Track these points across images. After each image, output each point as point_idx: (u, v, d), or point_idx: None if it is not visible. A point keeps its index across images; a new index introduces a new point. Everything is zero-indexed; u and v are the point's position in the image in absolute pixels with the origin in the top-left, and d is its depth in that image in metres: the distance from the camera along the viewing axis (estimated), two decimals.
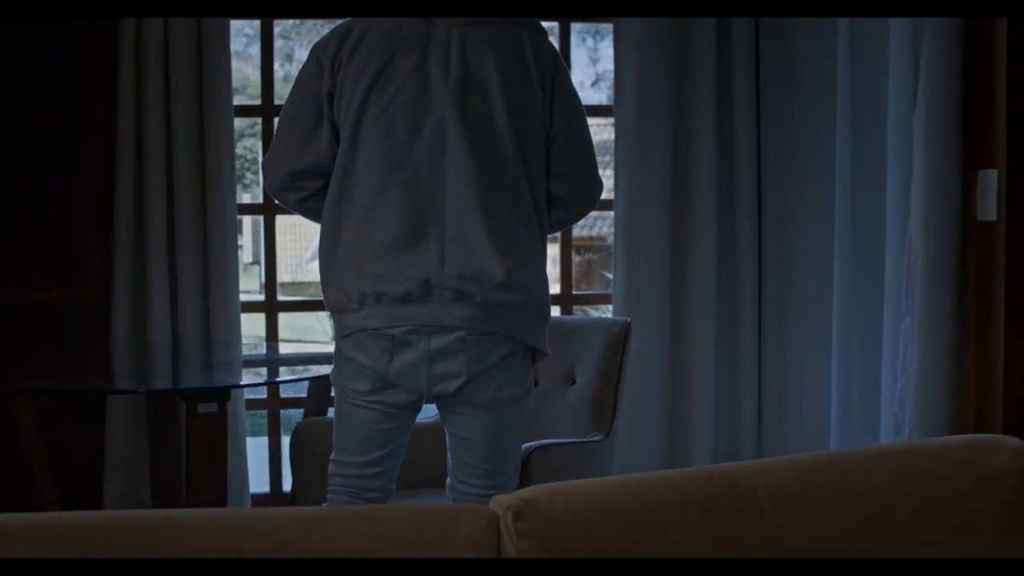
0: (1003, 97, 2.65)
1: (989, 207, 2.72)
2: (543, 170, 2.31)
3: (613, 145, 3.48)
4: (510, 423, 2.32)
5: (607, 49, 3.34)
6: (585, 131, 2.39)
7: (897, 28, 2.91)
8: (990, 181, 2.71)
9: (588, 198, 2.42)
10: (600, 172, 2.44)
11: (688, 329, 3.39)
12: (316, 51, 2.32)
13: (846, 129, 3.15)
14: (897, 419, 2.94)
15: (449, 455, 2.35)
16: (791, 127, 3.37)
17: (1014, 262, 2.66)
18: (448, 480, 2.36)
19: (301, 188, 2.37)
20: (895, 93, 2.94)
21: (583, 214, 2.56)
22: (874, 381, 3.13)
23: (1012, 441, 1.51)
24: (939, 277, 2.79)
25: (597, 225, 14.23)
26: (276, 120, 3.38)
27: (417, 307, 2.20)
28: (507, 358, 2.24)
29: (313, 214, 2.42)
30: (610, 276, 3.52)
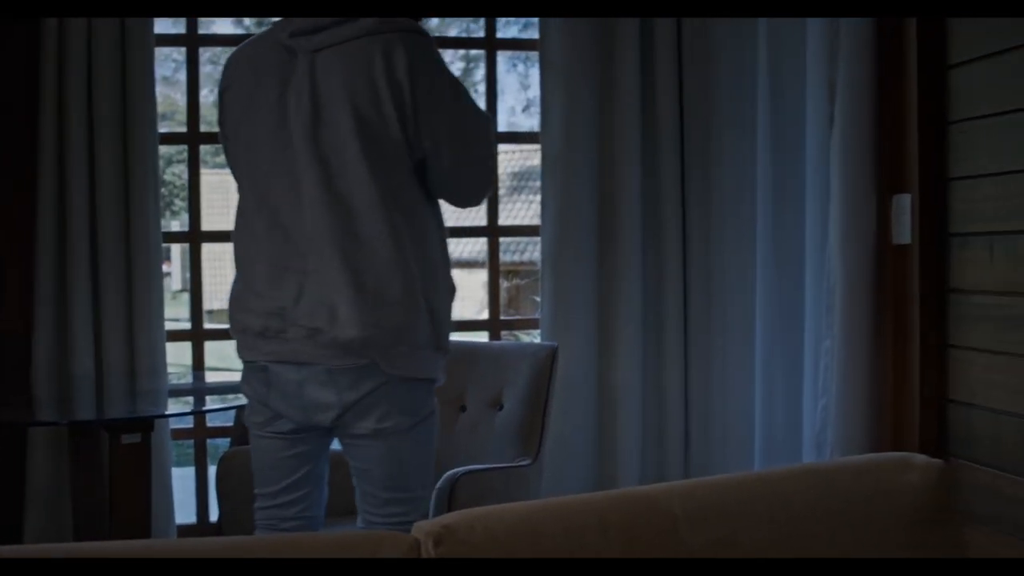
0: (915, 124, 2.74)
1: (903, 230, 2.80)
2: (415, 191, 2.24)
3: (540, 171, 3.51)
4: (403, 453, 2.26)
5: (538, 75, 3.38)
6: (458, 142, 2.25)
7: (813, 55, 2.99)
8: (903, 205, 2.79)
9: (472, 202, 2.45)
10: (488, 170, 2.38)
11: (615, 353, 3.42)
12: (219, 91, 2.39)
13: (766, 155, 3.21)
14: (819, 439, 3.00)
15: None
16: (714, 154, 3.43)
17: (927, 284, 2.74)
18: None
19: None
20: (812, 120, 3.02)
21: (475, 204, 2.53)
22: (797, 402, 3.19)
23: (920, 459, 1.55)
24: (857, 299, 2.86)
25: (529, 250, 14.27)
26: (203, 147, 3.38)
27: (276, 343, 2.22)
28: (381, 388, 2.19)
29: None
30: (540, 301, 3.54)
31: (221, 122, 2.36)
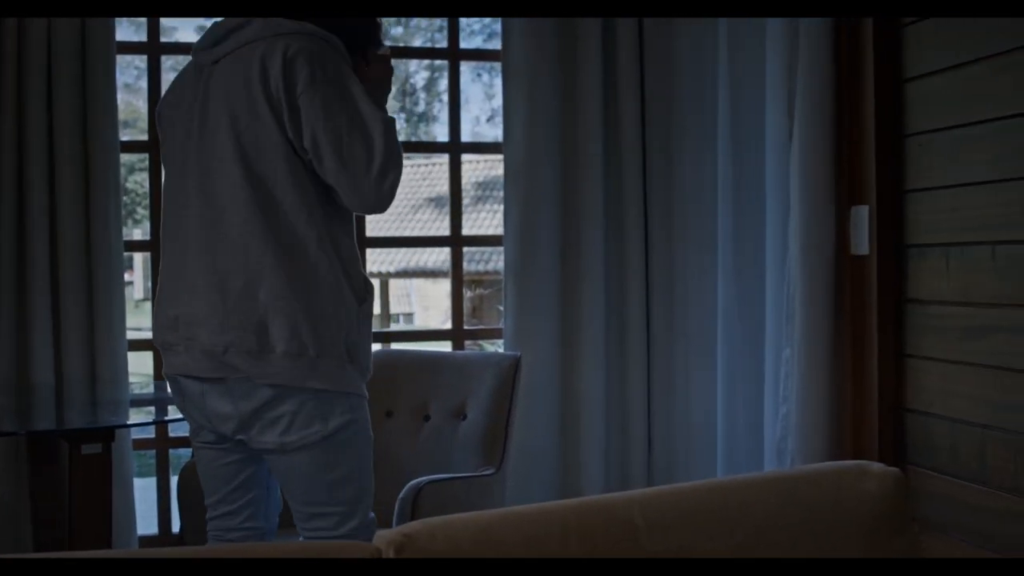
0: (872, 137, 2.78)
1: (861, 241, 2.84)
2: (297, 194, 2.17)
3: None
4: (315, 468, 2.20)
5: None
6: (336, 144, 2.15)
7: (772, 67, 3.03)
8: (862, 217, 2.83)
9: (366, 208, 2.24)
10: (373, 169, 2.18)
11: (578, 362, 3.43)
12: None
13: (728, 166, 3.25)
14: (780, 447, 3.03)
15: None
16: (676, 165, 3.46)
17: (885, 294, 2.78)
18: None
19: None
20: (772, 132, 3.05)
21: (370, 211, 2.31)
22: (758, 410, 3.22)
23: (876, 467, 1.57)
24: (816, 309, 2.89)
25: (493, 259, 14.29)
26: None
27: (172, 355, 2.26)
28: (276, 400, 2.15)
29: None
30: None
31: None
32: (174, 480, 3.20)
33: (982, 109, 2.46)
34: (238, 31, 2.22)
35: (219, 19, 2.32)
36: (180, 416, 3.11)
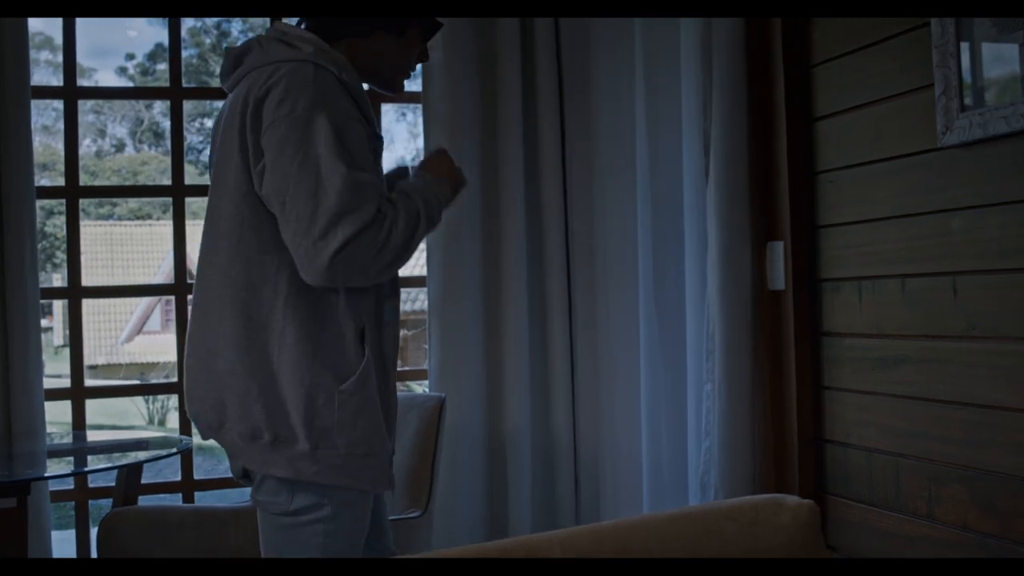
0: (785, 175, 2.85)
1: (777, 277, 2.90)
2: (275, 253, 1.90)
3: None
4: (264, 532, 2.00)
5: None
6: (284, 190, 1.83)
7: (688, 109, 3.09)
8: (777, 253, 2.89)
9: (309, 275, 1.85)
10: (321, 236, 1.80)
11: (503, 400, 3.44)
12: None
13: (647, 206, 3.29)
14: (704, 480, 3.07)
15: None
16: (596, 205, 3.49)
17: (801, 328, 2.84)
18: None
19: None
20: (688, 171, 3.11)
21: (349, 285, 1.91)
22: (682, 444, 3.25)
23: (791, 500, 1.60)
24: (736, 344, 2.94)
25: (420, 299, 14.27)
26: (82, 201, 3.32)
27: None
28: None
29: None
30: None
31: None
32: (94, 532, 3.14)
33: (887, 147, 2.54)
34: (245, 57, 2.01)
35: (229, 47, 2.11)
36: (100, 467, 3.07)
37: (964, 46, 2.26)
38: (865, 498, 2.66)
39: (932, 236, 2.41)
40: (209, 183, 2.05)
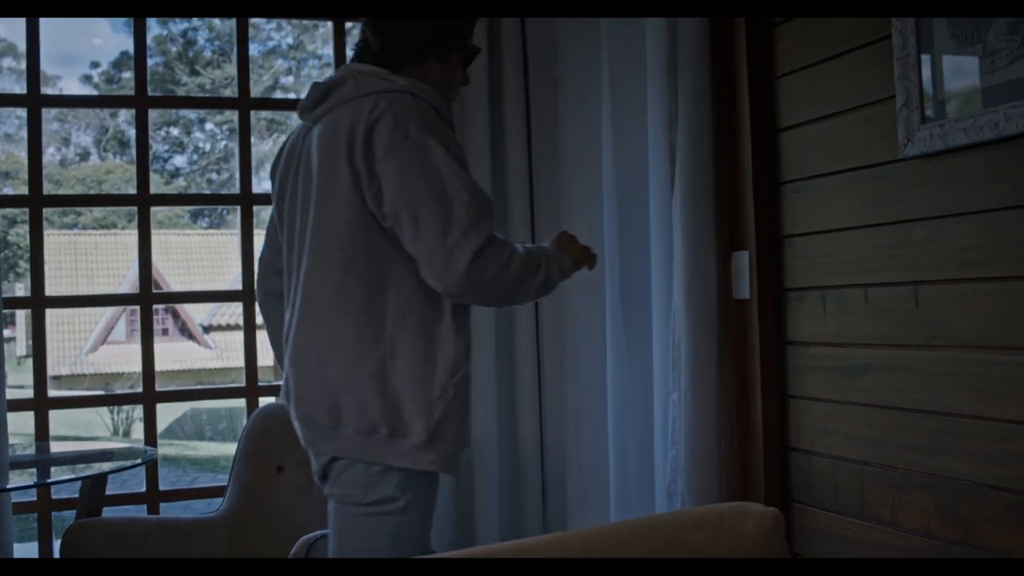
0: (750, 185, 2.87)
1: (742, 286, 2.92)
2: (377, 264, 2.09)
3: None
4: (337, 520, 2.16)
5: None
6: (415, 209, 2.02)
7: (654, 120, 3.11)
8: (742, 262, 2.91)
9: (445, 285, 2.05)
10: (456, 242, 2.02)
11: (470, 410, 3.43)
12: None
13: (613, 216, 3.30)
14: (670, 489, 3.08)
15: None
16: (563, 217, 3.48)
17: (766, 337, 2.86)
18: None
19: (262, 278, 2.49)
20: (655, 182, 3.13)
21: (463, 301, 2.14)
22: (648, 454, 3.27)
23: (756, 508, 1.61)
24: (701, 353, 2.96)
25: None
26: (46, 210, 3.30)
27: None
28: (333, 462, 2.14)
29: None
30: None
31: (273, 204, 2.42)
32: (57, 544, 3.10)
33: (851, 157, 2.57)
34: (334, 91, 2.16)
35: (317, 80, 2.26)
36: (64, 477, 3.05)
37: (925, 58, 2.29)
38: (830, 506, 2.68)
39: (894, 246, 2.44)
40: (275, 201, 2.33)
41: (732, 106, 2.95)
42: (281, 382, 2.33)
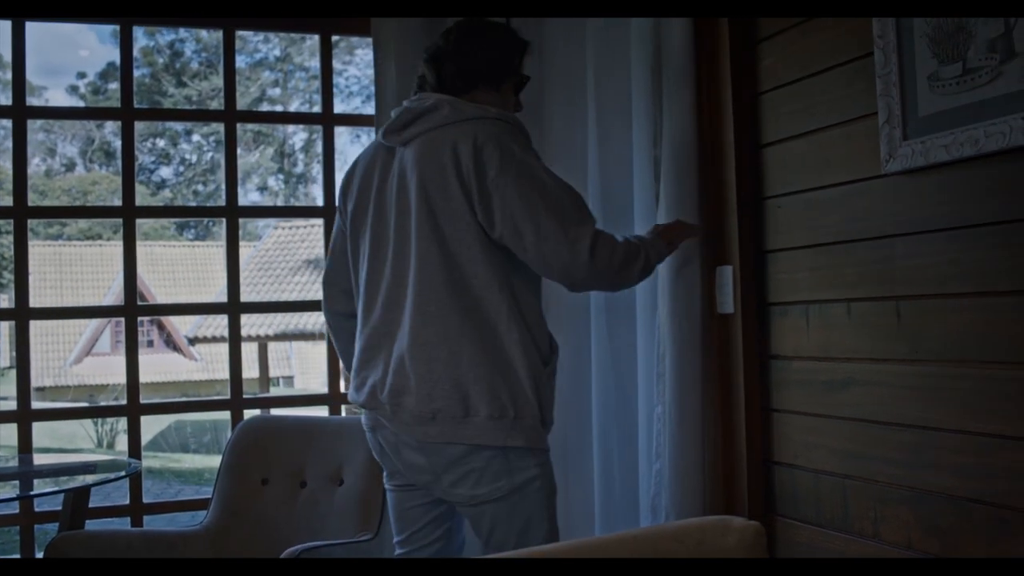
0: (733, 200, 2.89)
1: (726, 300, 2.93)
2: (487, 269, 2.38)
3: None
4: (503, 517, 2.40)
5: None
6: (537, 217, 2.34)
7: (639, 137, 3.13)
8: (726, 277, 2.93)
9: (569, 275, 2.41)
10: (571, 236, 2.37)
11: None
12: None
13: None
14: (655, 503, 3.08)
15: None
16: None
17: (750, 351, 2.87)
18: None
19: (328, 303, 2.75)
20: (639, 196, 3.14)
21: (585, 288, 2.54)
22: (633, 467, 3.27)
23: (738, 521, 1.62)
24: (686, 367, 2.96)
25: None
26: (30, 221, 3.30)
27: (373, 415, 2.49)
28: (466, 456, 2.37)
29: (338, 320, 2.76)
30: None
31: (342, 221, 2.67)
32: (40, 557, 3.09)
33: (834, 173, 2.59)
34: (428, 115, 2.43)
35: (406, 104, 2.52)
36: (47, 490, 3.04)
37: (907, 75, 2.31)
38: (812, 519, 2.69)
39: (876, 261, 2.46)
40: (347, 216, 2.60)
41: (716, 122, 2.96)
42: (351, 391, 2.56)
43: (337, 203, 2.72)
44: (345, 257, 2.67)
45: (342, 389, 3.70)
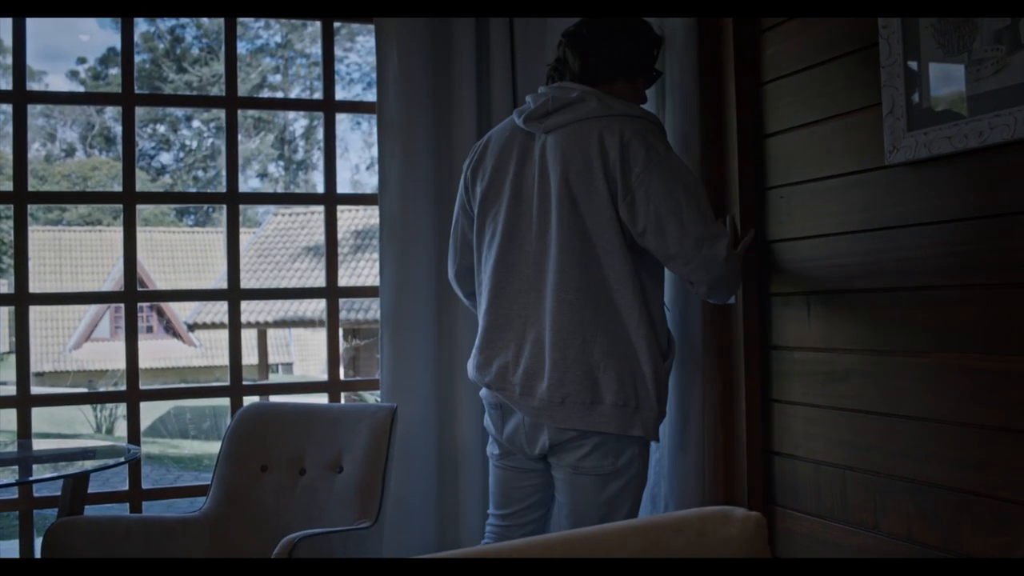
0: (736, 190, 2.88)
1: None
2: (620, 264, 2.48)
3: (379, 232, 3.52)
4: (596, 492, 2.54)
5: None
6: (680, 212, 2.44)
7: None
8: None
9: (707, 272, 2.52)
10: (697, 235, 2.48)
11: (456, 411, 3.44)
12: (464, 168, 2.81)
13: None
14: (654, 492, 3.08)
15: None
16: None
17: (751, 342, 2.86)
18: None
19: (463, 283, 2.91)
20: None
21: (716, 287, 2.59)
22: None
23: (739, 512, 1.62)
24: (686, 357, 2.96)
25: (373, 308, 14.20)
26: (30, 206, 3.27)
27: (502, 395, 2.60)
28: (580, 438, 2.51)
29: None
30: None
31: (467, 198, 2.78)
32: (39, 542, 3.09)
33: (837, 164, 2.58)
34: (573, 106, 2.51)
35: (547, 91, 2.59)
36: (46, 475, 3.03)
37: (912, 66, 2.30)
38: (813, 510, 2.69)
39: (879, 252, 2.45)
40: (476, 196, 2.70)
41: (719, 112, 2.95)
42: (473, 369, 2.68)
43: (463, 180, 2.78)
44: (467, 238, 2.79)
45: (341, 376, 3.70)
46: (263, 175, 27.68)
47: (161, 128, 27.49)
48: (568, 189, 2.47)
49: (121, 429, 16.15)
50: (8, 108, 3.48)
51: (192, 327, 18.33)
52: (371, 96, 3.72)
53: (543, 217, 2.53)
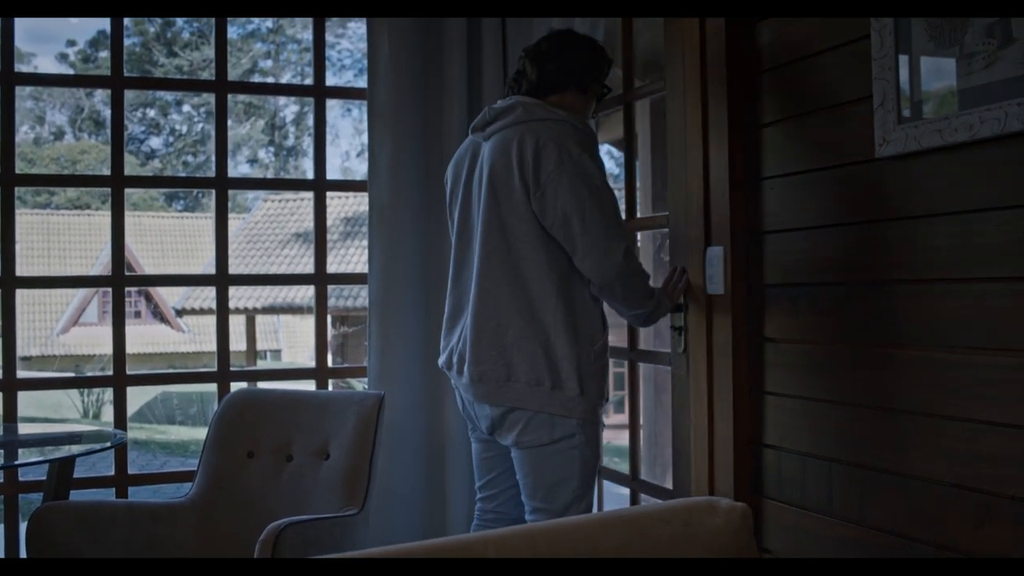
0: (725, 180, 2.87)
1: (716, 282, 2.92)
2: (539, 253, 2.67)
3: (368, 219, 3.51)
4: (538, 465, 2.71)
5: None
6: (583, 211, 2.61)
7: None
8: (716, 257, 2.92)
9: (597, 268, 2.66)
10: (612, 240, 2.64)
11: (443, 399, 3.44)
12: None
13: None
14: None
15: None
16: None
17: (739, 333, 2.87)
18: None
19: None
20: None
21: (608, 289, 2.72)
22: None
23: (724, 502, 1.62)
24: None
25: (362, 296, 14.16)
26: (17, 189, 3.27)
27: (452, 375, 2.88)
28: (514, 411, 2.70)
29: None
30: None
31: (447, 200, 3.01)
32: (23, 527, 3.09)
33: (828, 156, 2.58)
34: (503, 116, 2.75)
35: (494, 104, 2.80)
36: (32, 460, 3.02)
37: (903, 59, 2.30)
38: (798, 501, 2.69)
39: (868, 245, 2.45)
40: (459, 205, 2.89)
41: (713, 102, 2.94)
42: (443, 354, 2.87)
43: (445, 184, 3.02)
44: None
45: (329, 363, 3.69)
46: (253, 161, 27.62)
47: (151, 112, 27.39)
48: (493, 188, 2.69)
49: (108, 414, 16.12)
50: None
51: (180, 312, 18.30)
52: (362, 83, 3.70)
53: (479, 218, 2.75)
